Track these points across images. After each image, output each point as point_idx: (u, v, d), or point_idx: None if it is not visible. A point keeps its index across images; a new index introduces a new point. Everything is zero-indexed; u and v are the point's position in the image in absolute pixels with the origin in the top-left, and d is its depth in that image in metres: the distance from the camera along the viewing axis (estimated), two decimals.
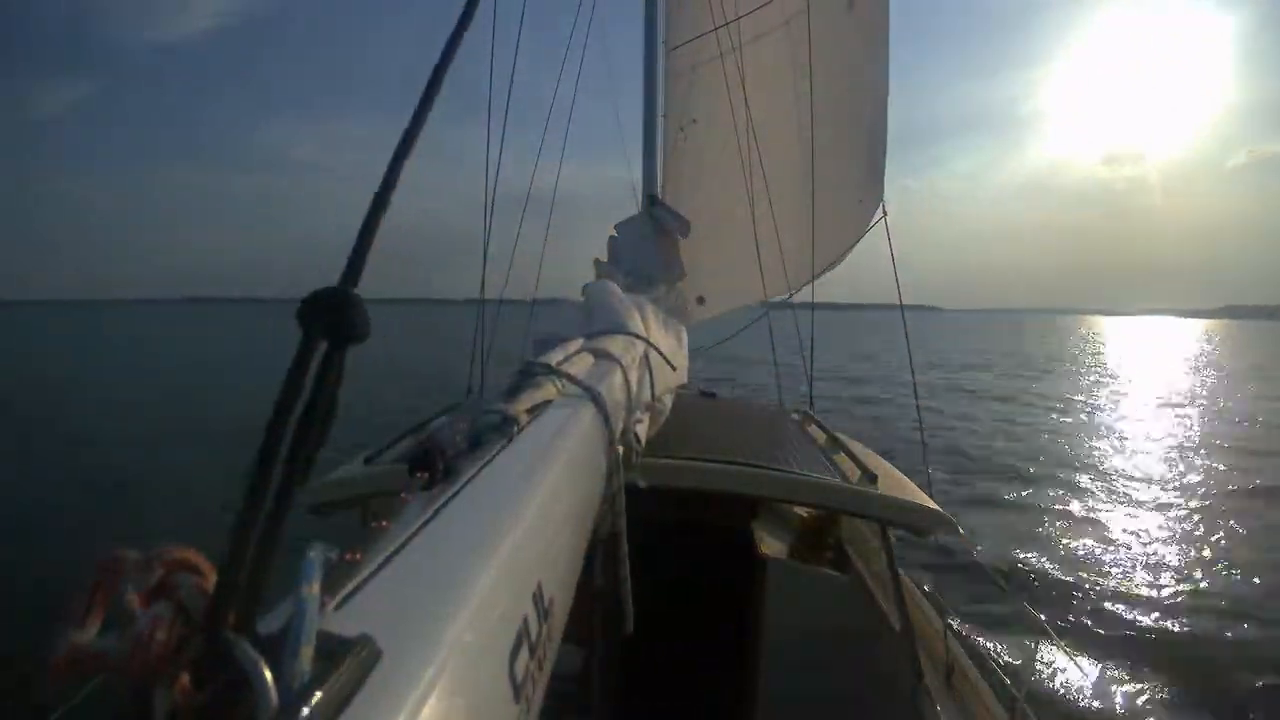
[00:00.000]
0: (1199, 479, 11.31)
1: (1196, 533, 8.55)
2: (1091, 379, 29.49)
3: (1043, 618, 4.61)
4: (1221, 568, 7.34)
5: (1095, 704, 4.79)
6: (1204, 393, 24.74)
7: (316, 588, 0.41)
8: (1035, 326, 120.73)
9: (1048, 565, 7.20)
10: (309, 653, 0.37)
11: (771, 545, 2.97)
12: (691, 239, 4.27)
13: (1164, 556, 7.71)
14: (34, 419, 15.67)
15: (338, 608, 0.44)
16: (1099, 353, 50.42)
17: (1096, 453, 13.42)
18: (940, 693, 2.45)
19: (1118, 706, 4.81)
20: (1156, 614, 6.19)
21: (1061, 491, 10.26)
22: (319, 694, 0.36)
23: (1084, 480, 11.02)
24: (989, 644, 4.93)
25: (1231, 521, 8.82)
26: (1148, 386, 26.64)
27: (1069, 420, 17.53)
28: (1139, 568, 7.33)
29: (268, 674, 0.35)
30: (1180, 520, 9.08)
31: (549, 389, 1.13)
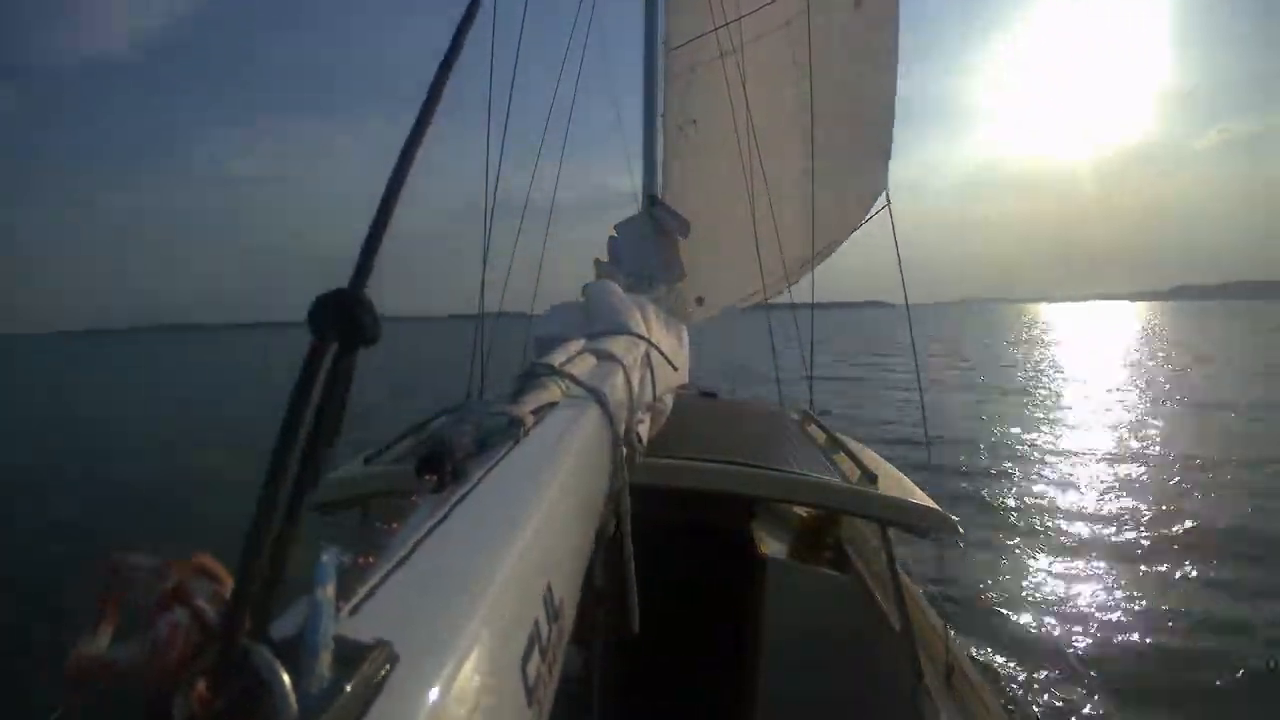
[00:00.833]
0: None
1: None
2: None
3: (1042, 616, 4.62)
4: None
5: (1095, 703, 4.79)
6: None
7: (331, 592, 0.41)
8: (975, 317, 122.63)
9: None
10: (327, 658, 0.37)
11: (771, 545, 2.97)
12: (691, 239, 4.27)
13: None
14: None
15: (352, 612, 0.44)
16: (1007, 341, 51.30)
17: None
18: (940, 693, 2.45)
19: (1117, 706, 4.81)
20: None
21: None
22: (338, 699, 0.35)
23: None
24: (989, 644, 4.94)
25: None
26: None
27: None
28: None
29: (287, 680, 0.35)
30: None
31: (554, 390, 1.13)
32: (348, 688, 0.36)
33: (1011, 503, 8.95)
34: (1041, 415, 16.37)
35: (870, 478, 2.41)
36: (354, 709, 0.36)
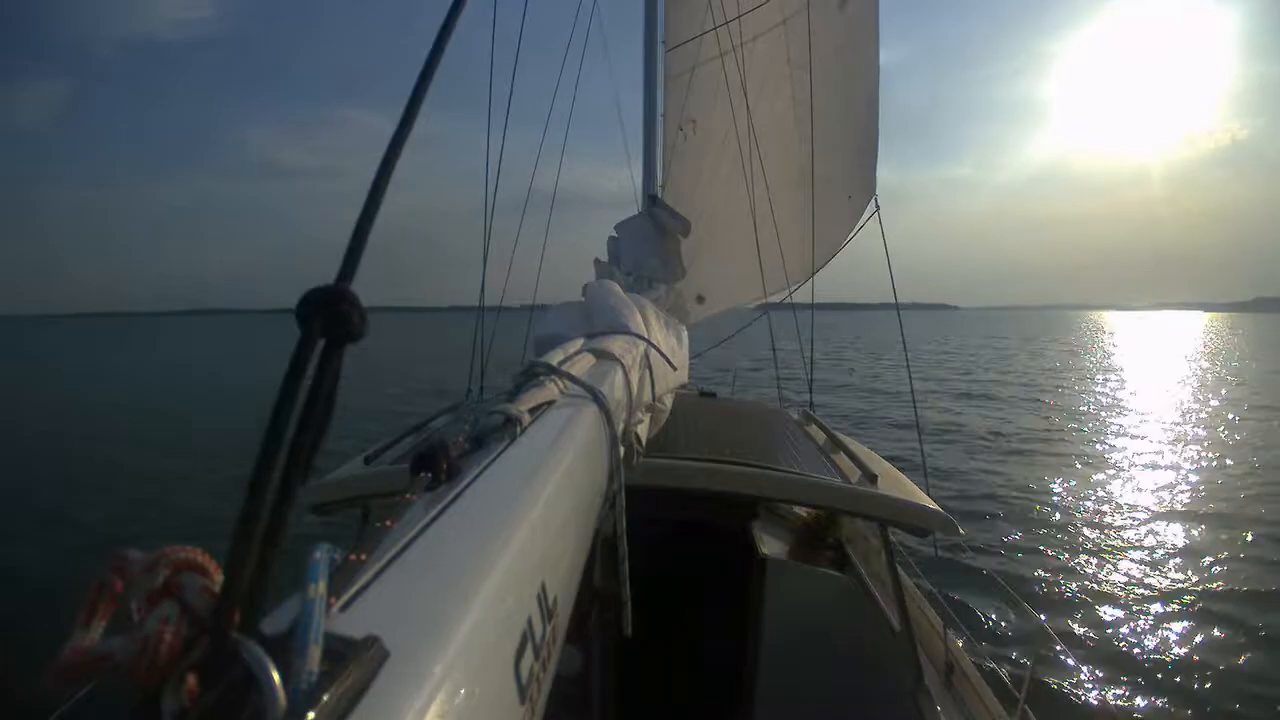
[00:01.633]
0: None
1: None
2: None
3: (1042, 617, 4.60)
4: None
5: (1095, 703, 4.79)
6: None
7: (323, 588, 0.41)
8: (1038, 324, 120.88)
9: None
10: (316, 653, 0.37)
11: (771, 545, 2.97)
12: (691, 239, 4.27)
13: None
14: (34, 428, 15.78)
15: (343, 609, 0.44)
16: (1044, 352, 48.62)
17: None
18: (940, 693, 2.45)
19: (1117, 705, 4.81)
20: None
21: None
22: (327, 694, 0.35)
23: None
24: (989, 644, 4.93)
25: None
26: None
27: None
28: None
29: (276, 675, 0.35)
30: None
31: (551, 389, 1.13)
32: (336, 683, 0.36)
33: None
34: None
35: (870, 478, 2.42)
36: (343, 704, 0.36)
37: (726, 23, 5.06)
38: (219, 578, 0.39)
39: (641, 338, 1.76)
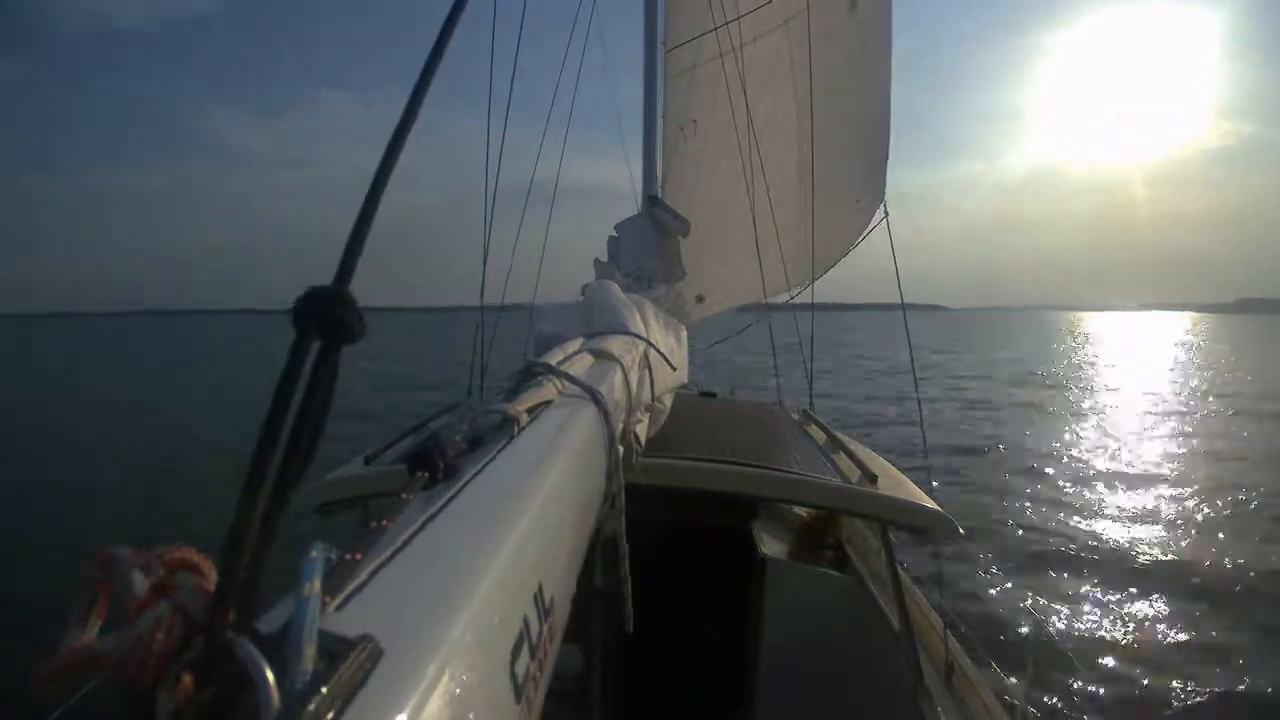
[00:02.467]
0: None
1: None
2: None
3: (1041, 617, 4.61)
4: None
5: (1095, 703, 4.79)
6: None
7: (317, 587, 0.41)
8: (1021, 324, 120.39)
9: None
10: (311, 652, 0.37)
11: (771, 545, 2.97)
12: (691, 239, 4.27)
13: None
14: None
15: (339, 608, 0.44)
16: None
17: None
18: (940, 693, 2.45)
19: (1116, 705, 4.81)
20: None
21: None
22: (321, 693, 0.35)
23: None
24: (989, 644, 4.92)
25: None
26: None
27: None
28: None
29: (270, 673, 0.35)
30: None
31: (549, 389, 1.13)
32: (331, 681, 0.36)
33: None
34: None
35: (870, 478, 2.42)
36: (337, 701, 0.36)
37: (727, 23, 5.06)
38: (214, 577, 0.40)
39: (641, 338, 1.76)
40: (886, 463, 2.76)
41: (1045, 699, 4.64)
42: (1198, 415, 18.13)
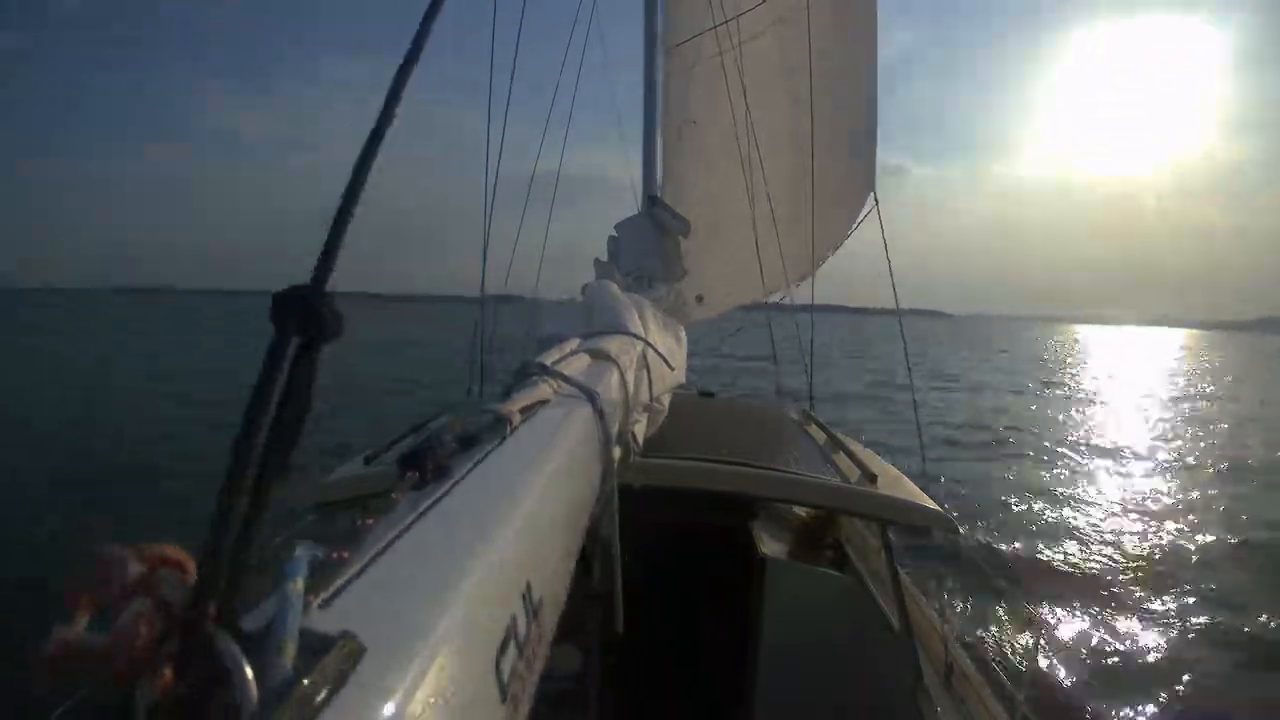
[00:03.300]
0: None
1: None
2: None
3: (1041, 618, 4.59)
4: None
5: (1095, 702, 4.78)
6: None
7: (300, 585, 0.41)
8: (1022, 335, 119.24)
9: None
10: (291, 649, 0.37)
11: (771, 545, 2.97)
12: (691, 239, 4.27)
13: None
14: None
15: (322, 606, 0.44)
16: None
17: None
18: (940, 693, 2.45)
19: (1117, 705, 4.80)
20: None
21: None
22: (300, 689, 0.36)
23: None
24: (989, 644, 4.92)
25: None
26: None
27: None
28: None
29: (248, 669, 0.35)
30: None
31: (544, 389, 1.13)
32: (311, 678, 0.37)
33: None
34: None
35: (870, 478, 2.41)
36: (316, 698, 0.36)
37: (725, 22, 5.06)
38: (195, 573, 0.40)
39: (639, 337, 1.76)
40: (886, 463, 2.76)
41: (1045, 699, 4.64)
42: None
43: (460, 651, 0.48)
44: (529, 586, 0.64)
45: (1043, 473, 12.49)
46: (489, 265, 4.45)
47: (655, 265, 3.94)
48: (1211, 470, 13.27)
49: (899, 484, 2.47)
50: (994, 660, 3.12)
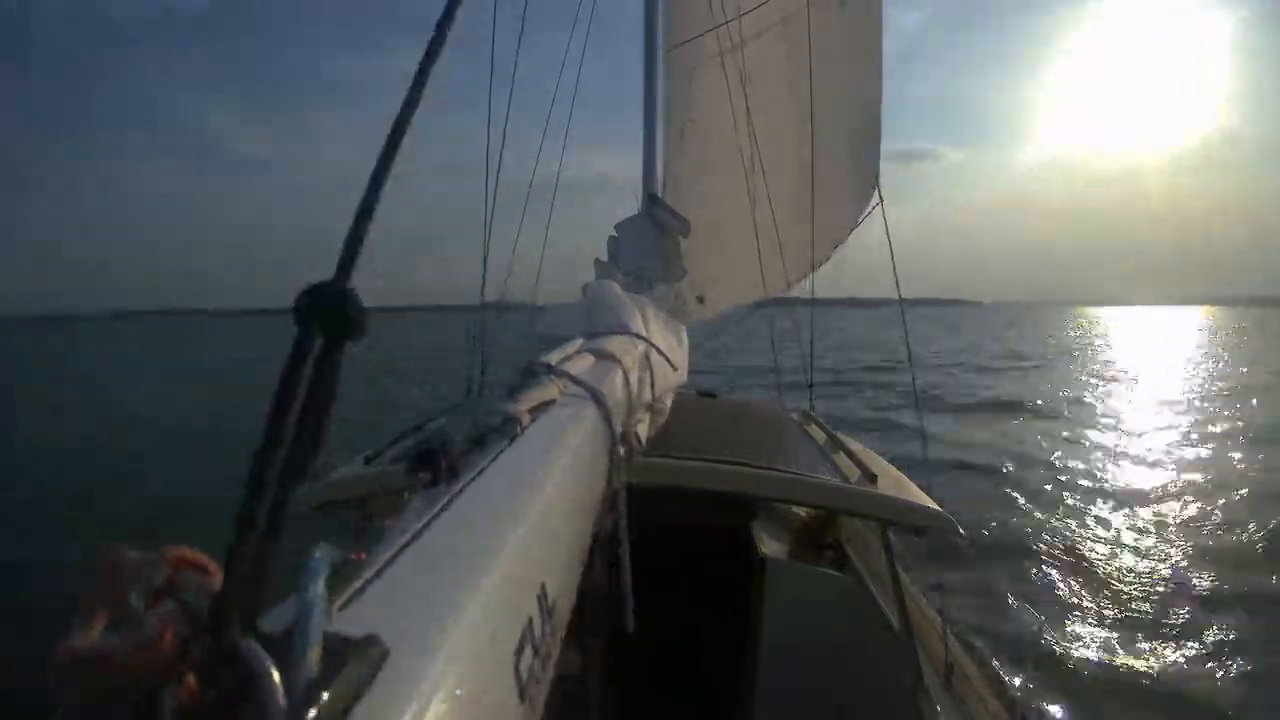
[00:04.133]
0: None
1: None
2: None
3: (1041, 617, 4.61)
4: None
5: (1094, 703, 4.79)
6: None
7: (322, 587, 0.41)
8: (1052, 319, 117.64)
9: None
10: (316, 652, 0.37)
11: (771, 545, 2.97)
12: (692, 239, 4.27)
13: None
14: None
15: (343, 608, 0.44)
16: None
17: None
18: (940, 693, 2.45)
19: (1117, 705, 4.81)
20: None
21: None
22: (327, 693, 0.36)
23: None
24: (989, 644, 4.93)
25: None
26: None
27: None
28: None
29: (275, 674, 0.35)
30: None
31: (551, 389, 1.13)
32: (336, 681, 0.36)
33: None
34: None
35: (870, 478, 2.42)
36: (343, 702, 0.36)
37: (726, 22, 5.06)
38: (219, 577, 0.40)
39: (641, 337, 1.76)
40: (886, 463, 2.76)
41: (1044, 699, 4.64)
42: None
43: (480, 652, 0.48)
44: (543, 587, 0.64)
45: None
46: (489, 270, 4.46)
47: (655, 265, 3.93)
48: None
49: (899, 484, 2.48)
50: (994, 660, 3.13)
